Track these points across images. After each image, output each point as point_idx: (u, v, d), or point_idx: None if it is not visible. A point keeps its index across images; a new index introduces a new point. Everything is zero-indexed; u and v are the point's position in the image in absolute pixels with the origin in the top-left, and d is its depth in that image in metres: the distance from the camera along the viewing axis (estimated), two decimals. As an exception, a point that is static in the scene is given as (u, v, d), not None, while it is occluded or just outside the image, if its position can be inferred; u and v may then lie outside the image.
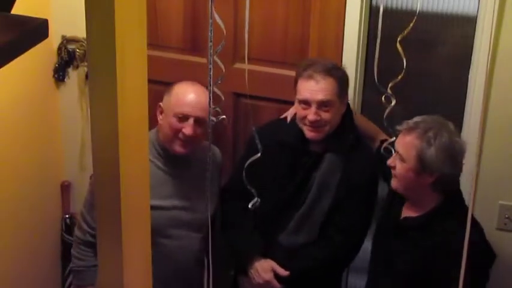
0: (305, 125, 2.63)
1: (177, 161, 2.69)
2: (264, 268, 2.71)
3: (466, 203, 2.52)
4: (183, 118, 2.60)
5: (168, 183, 2.69)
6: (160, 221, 2.60)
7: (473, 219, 2.57)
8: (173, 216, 2.69)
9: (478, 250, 2.34)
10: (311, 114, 2.58)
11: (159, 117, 2.67)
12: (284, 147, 2.70)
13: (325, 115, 2.59)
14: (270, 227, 2.75)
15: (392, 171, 2.49)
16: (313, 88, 2.57)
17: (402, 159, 2.44)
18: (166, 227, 2.67)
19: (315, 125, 2.60)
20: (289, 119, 2.74)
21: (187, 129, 2.59)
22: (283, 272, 2.70)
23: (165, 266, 2.55)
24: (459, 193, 2.54)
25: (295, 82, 2.63)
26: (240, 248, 2.79)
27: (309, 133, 2.64)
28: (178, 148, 2.63)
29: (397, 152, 2.44)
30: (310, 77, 2.57)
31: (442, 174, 2.43)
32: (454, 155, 2.43)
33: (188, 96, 2.62)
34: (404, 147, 2.43)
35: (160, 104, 2.67)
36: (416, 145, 2.41)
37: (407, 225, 2.54)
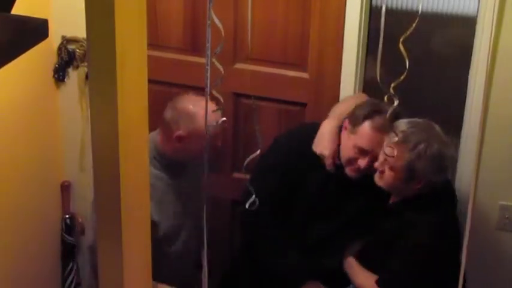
0: (351, 165, 2.59)
1: (177, 168, 2.69)
2: None
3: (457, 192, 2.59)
4: None
5: (172, 192, 2.70)
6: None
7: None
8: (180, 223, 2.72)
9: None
10: (364, 162, 2.54)
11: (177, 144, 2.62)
12: (330, 176, 2.65)
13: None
14: (316, 250, 2.75)
15: (379, 171, 2.50)
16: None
17: (391, 168, 2.46)
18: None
19: (363, 170, 2.57)
20: (329, 162, 2.64)
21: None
22: None
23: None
24: (448, 183, 2.61)
25: (355, 121, 2.55)
26: (286, 275, 2.73)
27: (351, 172, 2.59)
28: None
29: (386, 159, 2.46)
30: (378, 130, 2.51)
31: (430, 181, 2.48)
32: (443, 165, 2.48)
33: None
34: (395, 159, 2.44)
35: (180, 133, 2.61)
36: (406, 158, 2.43)
37: (400, 208, 2.59)
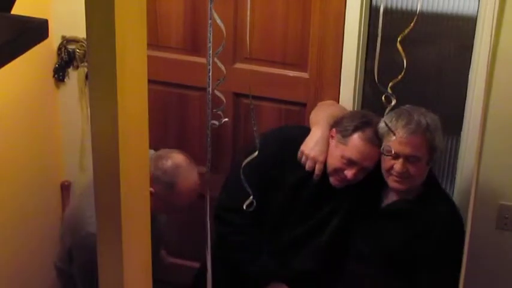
0: (336, 175, 2.60)
1: None
2: None
3: None
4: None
5: None
6: None
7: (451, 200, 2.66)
8: None
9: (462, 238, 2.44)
10: (351, 173, 2.54)
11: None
12: (310, 176, 2.65)
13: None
14: (286, 253, 2.75)
15: (401, 175, 2.48)
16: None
17: (415, 160, 2.46)
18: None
19: (348, 181, 2.58)
20: (320, 167, 2.64)
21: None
22: None
23: None
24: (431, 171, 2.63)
25: (345, 132, 2.56)
26: (255, 272, 2.74)
27: (335, 182, 2.60)
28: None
29: (405, 157, 2.45)
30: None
31: (441, 151, 2.55)
32: (441, 128, 2.51)
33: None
34: (416, 148, 2.45)
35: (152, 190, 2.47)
36: (426, 141, 2.45)
37: (397, 211, 2.59)
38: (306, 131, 2.70)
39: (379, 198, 2.64)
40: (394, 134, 2.46)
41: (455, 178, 2.98)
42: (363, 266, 2.66)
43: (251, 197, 1.40)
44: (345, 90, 2.94)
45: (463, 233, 2.54)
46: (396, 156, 2.46)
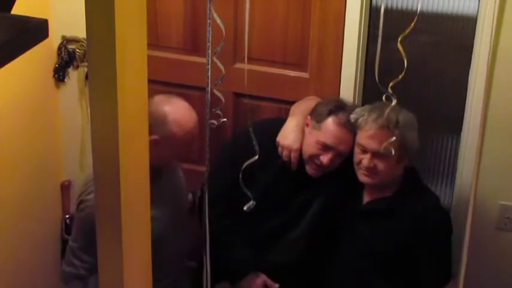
0: (312, 163, 2.60)
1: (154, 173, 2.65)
2: (257, 284, 2.71)
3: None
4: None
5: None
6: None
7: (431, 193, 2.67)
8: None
9: (449, 229, 2.54)
10: (327, 158, 2.55)
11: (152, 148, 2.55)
12: (285, 167, 2.65)
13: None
14: (263, 244, 2.75)
15: (369, 170, 2.49)
16: None
17: (385, 156, 2.44)
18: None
19: (324, 167, 2.58)
20: (296, 155, 2.65)
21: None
22: (274, 286, 2.71)
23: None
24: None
25: (318, 117, 2.58)
26: (232, 266, 2.73)
27: (311, 170, 2.61)
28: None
29: (372, 152, 2.45)
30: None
31: (416, 149, 2.52)
32: (416, 126, 2.51)
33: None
34: (383, 144, 2.41)
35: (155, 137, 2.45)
36: (396, 137, 2.39)
37: (376, 208, 2.58)
38: (282, 122, 2.70)
39: (360, 199, 2.63)
40: (359, 128, 2.47)
41: (455, 178, 2.98)
42: (347, 268, 2.66)
43: (251, 202, 1.40)
44: (344, 90, 2.94)
45: (450, 224, 2.55)
46: (364, 151, 2.47)
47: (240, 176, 1.43)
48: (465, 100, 2.87)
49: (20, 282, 3.24)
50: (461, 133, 2.91)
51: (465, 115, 2.88)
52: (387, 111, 2.28)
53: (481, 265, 2.82)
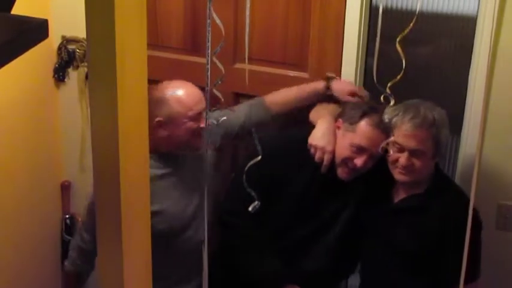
0: (345, 166, 2.60)
1: (175, 161, 2.66)
2: None
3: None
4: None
5: (173, 184, 2.66)
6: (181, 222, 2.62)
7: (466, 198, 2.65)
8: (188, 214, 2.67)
9: (478, 227, 2.51)
10: (361, 161, 2.54)
11: (159, 130, 2.55)
12: (315, 174, 2.64)
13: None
14: (293, 253, 2.72)
15: (406, 169, 2.49)
16: None
17: (420, 154, 2.46)
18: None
19: (358, 170, 2.58)
20: (329, 157, 2.63)
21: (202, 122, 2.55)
22: None
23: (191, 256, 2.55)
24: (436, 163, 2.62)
25: (351, 119, 2.57)
26: (263, 275, 2.68)
27: (343, 174, 2.60)
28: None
29: (410, 151, 2.46)
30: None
31: (446, 145, 2.55)
32: (448, 123, 2.52)
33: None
34: (422, 142, 2.45)
35: (159, 118, 2.53)
36: (431, 134, 2.45)
37: (410, 206, 2.58)
38: (306, 130, 2.69)
39: (390, 198, 2.63)
40: (393, 130, 2.47)
41: (455, 178, 2.98)
42: (378, 267, 2.66)
43: (256, 202, 1.40)
44: (345, 90, 2.94)
45: (479, 222, 2.54)
46: (401, 150, 2.47)
47: (244, 177, 1.43)
48: (465, 100, 2.87)
49: (20, 282, 3.24)
50: (461, 133, 2.91)
51: (465, 115, 2.88)
52: (422, 109, 2.40)
53: (481, 265, 2.82)
